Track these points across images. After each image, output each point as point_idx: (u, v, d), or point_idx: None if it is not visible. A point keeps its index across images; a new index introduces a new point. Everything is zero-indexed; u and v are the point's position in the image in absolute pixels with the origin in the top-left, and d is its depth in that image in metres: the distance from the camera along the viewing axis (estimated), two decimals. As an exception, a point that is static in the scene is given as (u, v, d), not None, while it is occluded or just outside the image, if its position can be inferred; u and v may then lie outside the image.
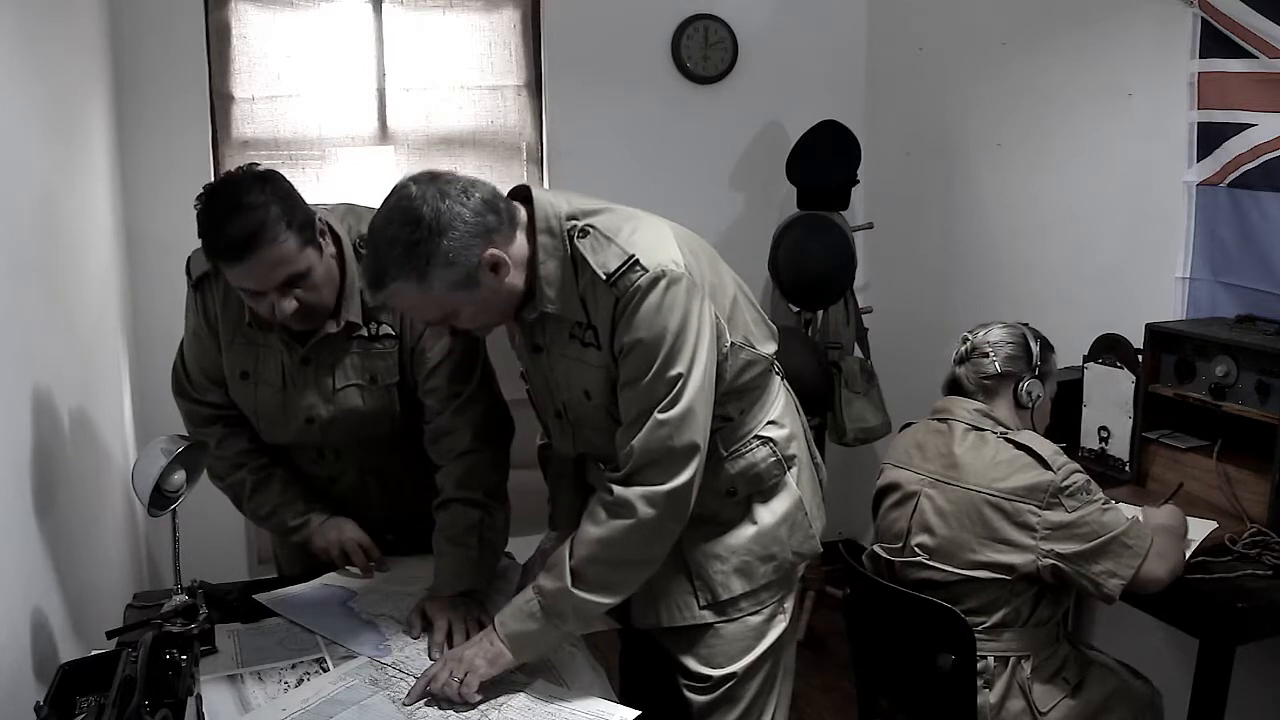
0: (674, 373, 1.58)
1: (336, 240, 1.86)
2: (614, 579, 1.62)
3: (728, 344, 1.69)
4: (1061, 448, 1.99)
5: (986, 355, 2.07)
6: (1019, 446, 1.96)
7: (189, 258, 1.95)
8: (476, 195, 1.56)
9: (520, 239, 1.62)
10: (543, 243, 1.62)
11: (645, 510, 1.58)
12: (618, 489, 1.60)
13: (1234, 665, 2.00)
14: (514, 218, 1.62)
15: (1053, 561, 1.90)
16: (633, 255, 1.58)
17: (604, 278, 1.58)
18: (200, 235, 1.74)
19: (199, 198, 1.75)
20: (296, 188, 1.79)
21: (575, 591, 1.59)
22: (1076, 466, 1.94)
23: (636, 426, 1.59)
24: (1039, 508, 1.90)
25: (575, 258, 1.62)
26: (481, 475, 1.92)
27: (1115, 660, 2.17)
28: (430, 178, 1.56)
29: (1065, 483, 1.90)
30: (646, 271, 1.57)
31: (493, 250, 1.56)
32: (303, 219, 1.75)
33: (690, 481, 1.60)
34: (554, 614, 1.61)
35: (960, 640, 1.94)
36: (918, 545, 2.04)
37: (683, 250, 1.64)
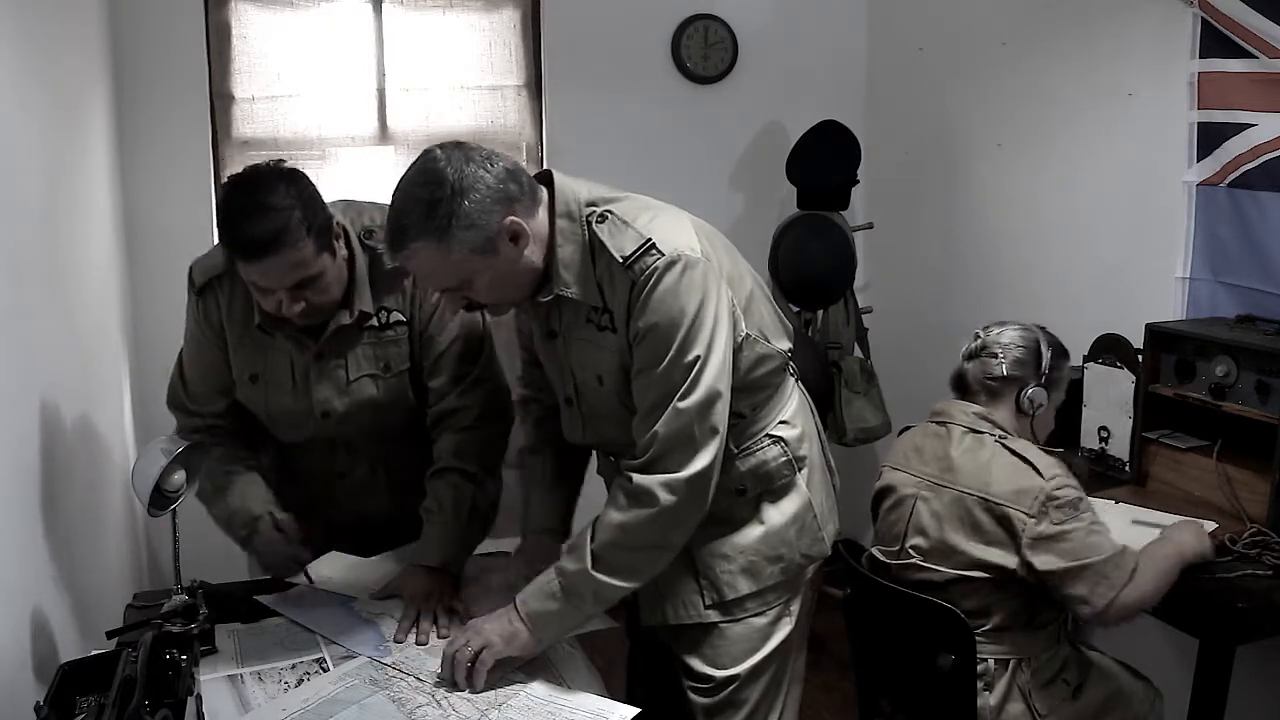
0: (691, 357, 1.58)
1: (345, 236, 1.86)
2: (634, 563, 1.63)
3: (742, 334, 1.69)
4: (1058, 452, 1.98)
5: (996, 356, 2.05)
6: (1015, 454, 1.94)
7: (191, 266, 1.93)
8: (500, 164, 1.59)
9: (541, 216, 1.63)
10: (561, 226, 1.64)
11: (666, 498, 1.59)
12: (637, 477, 1.61)
13: (1234, 665, 2.00)
14: (535, 194, 1.63)
15: (1029, 574, 1.89)
16: (649, 239, 1.59)
17: (620, 261, 1.59)
18: (219, 227, 1.74)
19: (222, 187, 1.76)
20: (312, 183, 1.79)
21: (595, 574, 1.60)
22: (1070, 481, 1.91)
23: (656, 414, 1.60)
24: (1025, 514, 1.88)
25: (593, 242, 1.63)
26: (478, 449, 1.94)
27: (1115, 660, 2.17)
28: (456, 145, 1.59)
29: (1055, 493, 1.87)
30: (663, 255, 1.58)
31: (513, 218, 1.58)
32: (322, 223, 1.76)
33: (709, 467, 1.61)
34: (573, 595, 1.62)
35: (960, 641, 1.94)
36: (912, 547, 2.04)
37: (700, 238, 1.65)
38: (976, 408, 2.05)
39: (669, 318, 1.57)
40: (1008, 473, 1.92)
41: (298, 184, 1.74)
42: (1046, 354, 2.06)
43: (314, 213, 1.74)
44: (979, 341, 2.09)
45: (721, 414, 1.61)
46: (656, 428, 1.59)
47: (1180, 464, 2.39)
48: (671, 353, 1.58)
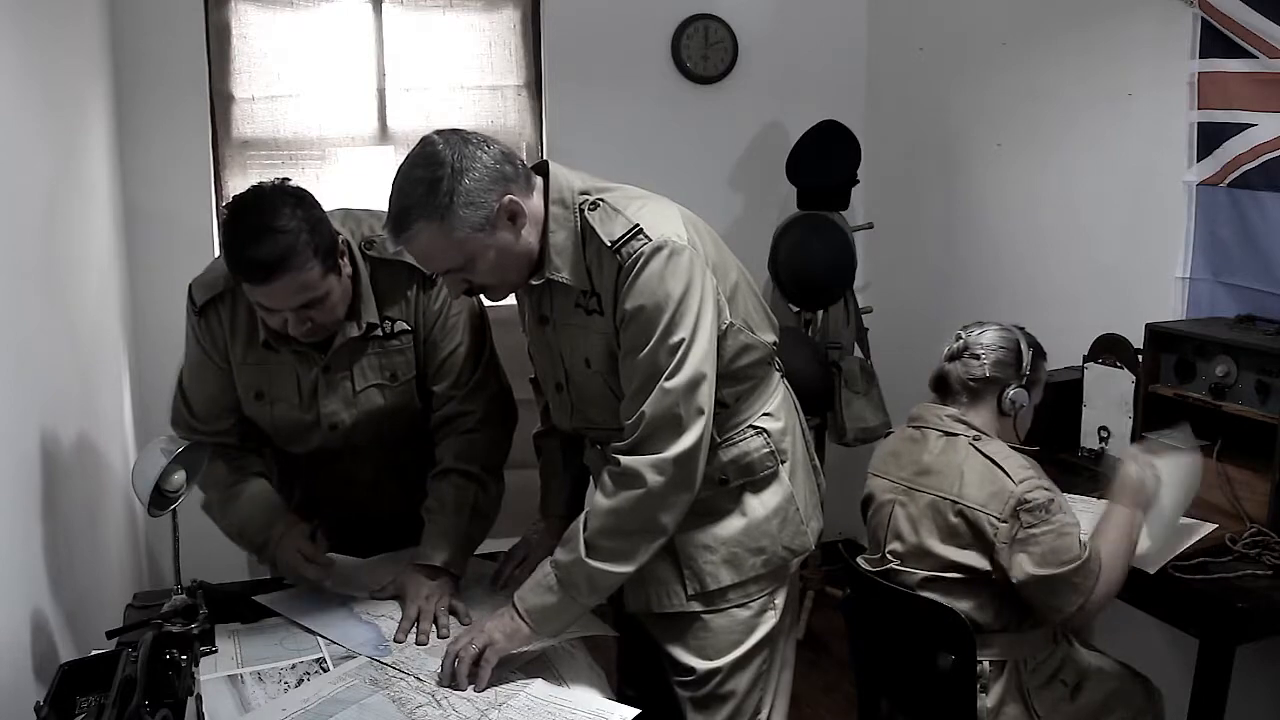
0: (676, 339, 1.60)
1: (348, 251, 1.86)
2: (626, 549, 1.64)
3: (726, 322, 1.72)
4: (1033, 450, 1.99)
5: (977, 357, 2.06)
6: (987, 457, 1.95)
7: (191, 285, 1.92)
8: (496, 147, 1.63)
9: (536, 200, 1.68)
10: (554, 213, 1.68)
11: (654, 478, 1.60)
12: (625, 459, 1.63)
13: (1234, 665, 2.00)
14: (530, 178, 1.68)
15: (1004, 574, 1.90)
16: (637, 225, 1.63)
17: (608, 245, 1.62)
18: (225, 249, 1.74)
19: (226, 206, 1.76)
20: (318, 203, 1.79)
21: (589, 562, 1.62)
22: (1041, 483, 1.91)
23: (642, 396, 1.62)
24: (997, 519, 1.89)
25: (584, 229, 1.66)
26: (480, 450, 1.96)
27: (1114, 660, 2.17)
28: (452, 131, 1.64)
29: (1026, 497, 1.88)
30: (650, 240, 1.61)
31: (511, 197, 1.61)
32: (328, 244, 1.76)
33: (696, 446, 1.62)
34: (570, 586, 1.63)
35: (960, 641, 1.94)
36: (890, 552, 2.05)
37: (688, 228, 1.69)
38: (952, 410, 2.05)
39: (655, 301, 1.60)
40: (980, 476, 1.93)
41: (304, 205, 1.74)
42: (1027, 354, 2.07)
43: (320, 234, 1.74)
44: (960, 342, 2.10)
45: (707, 395, 1.63)
46: (643, 408, 1.61)
47: (1180, 464, 2.38)
48: (657, 335, 1.61)
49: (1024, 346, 2.07)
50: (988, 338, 2.07)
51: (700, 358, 1.62)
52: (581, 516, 1.66)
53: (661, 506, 1.63)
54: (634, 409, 1.63)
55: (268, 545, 1.94)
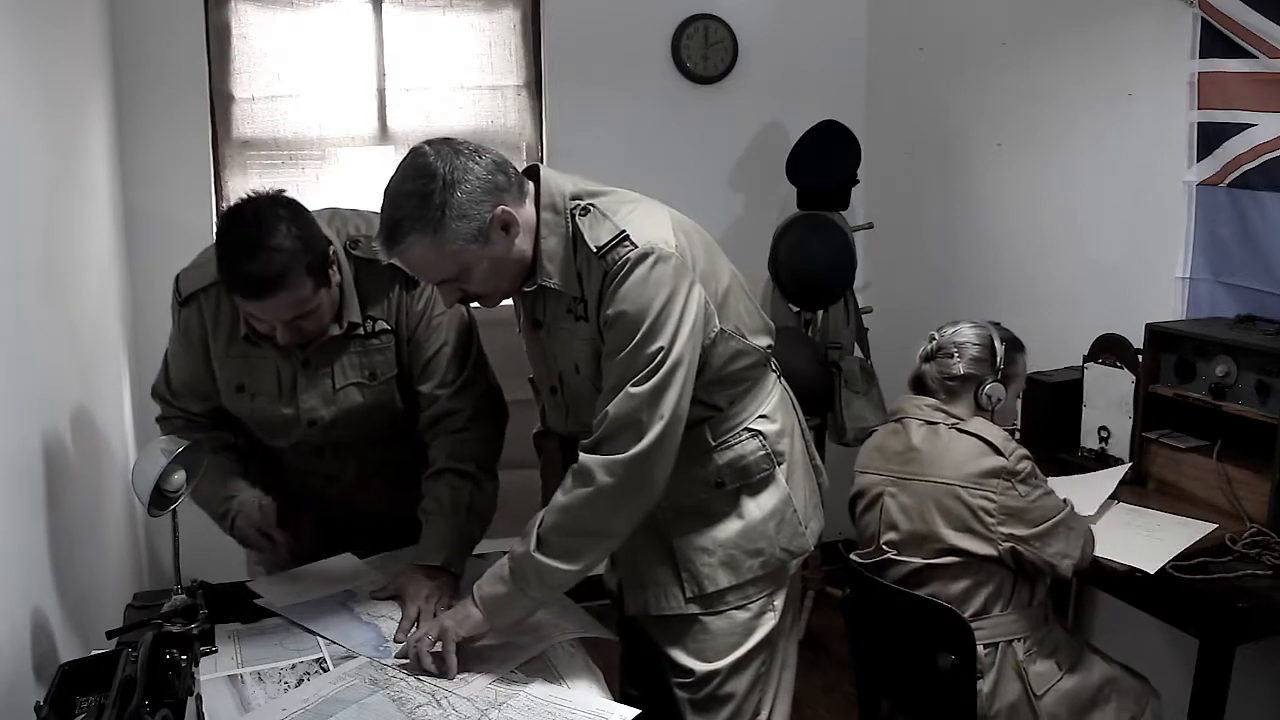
0: (654, 347, 1.60)
1: (335, 256, 1.86)
2: (574, 547, 1.64)
3: (716, 329, 1.71)
4: (1012, 431, 2.04)
5: (952, 356, 2.09)
6: (969, 434, 2.00)
7: (177, 276, 1.94)
8: (488, 157, 1.62)
9: (529, 207, 1.67)
10: (546, 218, 1.67)
11: (603, 478, 1.60)
12: (582, 457, 1.64)
13: (1234, 665, 2.00)
14: (522, 186, 1.67)
15: (1012, 545, 1.96)
16: (624, 231, 1.62)
17: (595, 250, 1.62)
18: (218, 261, 1.75)
19: (221, 216, 1.76)
20: (312, 216, 1.80)
21: (537, 556, 1.62)
22: (1024, 451, 1.99)
23: (610, 397, 1.63)
24: (994, 493, 1.95)
25: (575, 234, 1.66)
26: (473, 449, 1.96)
27: (1114, 661, 2.17)
28: (443, 140, 1.63)
29: (1017, 467, 1.96)
30: (635, 247, 1.61)
31: (504, 208, 1.61)
32: (320, 260, 1.77)
33: (648, 452, 1.61)
34: (520, 578, 1.64)
35: (960, 640, 1.95)
36: (885, 543, 2.08)
37: (677, 234, 1.68)
38: (930, 400, 2.09)
39: (636, 308, 1.60)
40: (968, 456, 1.98)
41: (298, 221, 1.75)
42: (1000, 349, 2.10)
43: (313, 251, 1.75)
44: (934, 343, 2.14)
45: (671, 402, 1.62)
46: (608, 409, 1.62)
47: (1180, 464, 2.39)
48: (635, 341, 1.61)
49: (997, 341, 2.10)
50: (961, 336, 2.12)
51: (673, 366, 1.61)
52: (542, 510, 1.67)
53: (612, 509, 1.63)
54: (600, 408, 1.64)
55: (227, 515, 1.97)
